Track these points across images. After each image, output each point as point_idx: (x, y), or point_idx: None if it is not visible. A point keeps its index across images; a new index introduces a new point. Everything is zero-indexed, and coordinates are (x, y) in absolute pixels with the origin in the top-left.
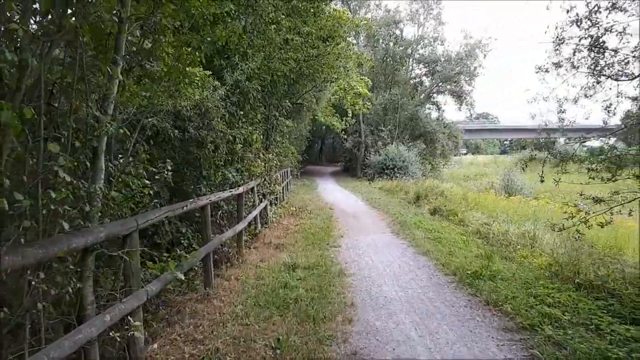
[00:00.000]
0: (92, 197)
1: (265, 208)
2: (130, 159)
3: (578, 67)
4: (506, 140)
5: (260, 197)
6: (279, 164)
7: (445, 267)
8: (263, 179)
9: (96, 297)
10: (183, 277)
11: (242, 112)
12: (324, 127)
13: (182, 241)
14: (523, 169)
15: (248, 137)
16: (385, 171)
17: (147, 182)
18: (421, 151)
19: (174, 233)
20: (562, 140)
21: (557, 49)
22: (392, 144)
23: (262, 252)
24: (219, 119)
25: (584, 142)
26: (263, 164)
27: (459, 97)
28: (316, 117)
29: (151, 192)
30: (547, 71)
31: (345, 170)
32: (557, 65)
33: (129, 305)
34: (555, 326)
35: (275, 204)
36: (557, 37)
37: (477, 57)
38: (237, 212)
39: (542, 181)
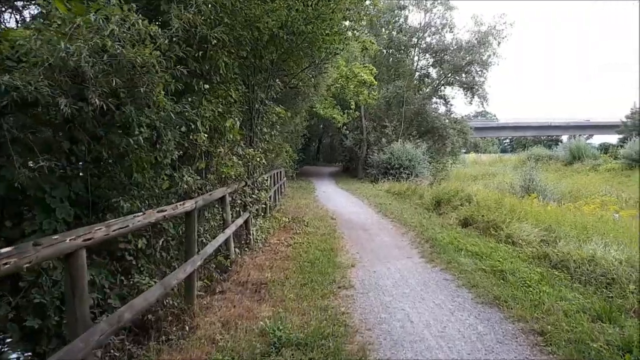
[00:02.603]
0: None
1: (245, 223)
2: None
3: None
4: (506, 138)
5: (239, 209)
6: (266, 163)
7: (548, 343)
8: (243, 184)
9: None
10: None
11: (207, 86)
12: (321, 125)
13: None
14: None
15: (218, 123)
16: (390, 171)
17: None
18: (428, 148)
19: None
20: (565, 137)
21: None
22: (397, 141)
23: (229, 305)
24: (154, 86)
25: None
26: (242, 162)
27: (471, 89)
28: (314, 108)
29: None
30: None
31: (344, 170)
32: None
33: None
34: None
35: (263, 215)
36: None
37: (490, 44)
38: (185, 245)
39: None
